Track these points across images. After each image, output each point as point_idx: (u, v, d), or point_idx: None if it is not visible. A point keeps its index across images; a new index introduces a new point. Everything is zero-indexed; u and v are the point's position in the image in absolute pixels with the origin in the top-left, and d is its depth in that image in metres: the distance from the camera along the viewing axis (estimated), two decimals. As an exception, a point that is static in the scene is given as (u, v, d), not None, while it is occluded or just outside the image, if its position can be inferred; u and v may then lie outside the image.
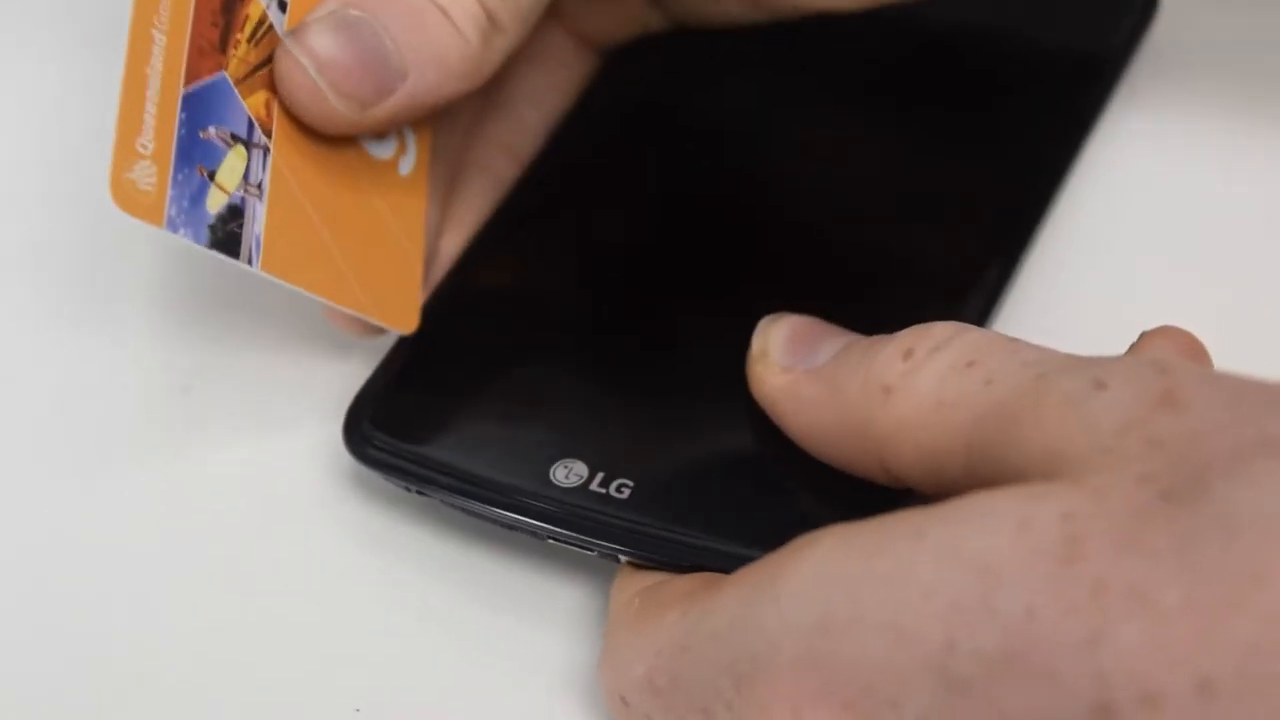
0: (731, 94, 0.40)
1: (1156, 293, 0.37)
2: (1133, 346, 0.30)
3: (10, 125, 0.44)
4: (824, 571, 0.26)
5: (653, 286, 0.36)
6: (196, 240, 0.31)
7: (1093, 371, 0.26)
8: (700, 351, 0.34)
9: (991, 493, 0.25)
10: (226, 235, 0.32)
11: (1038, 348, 0.28)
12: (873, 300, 0.35)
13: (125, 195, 0.30)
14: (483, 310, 0.36)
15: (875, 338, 0.30)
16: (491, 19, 0.33)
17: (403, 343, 0.35)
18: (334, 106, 0.33)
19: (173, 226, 0.31)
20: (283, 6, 0.33)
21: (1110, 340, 0.30)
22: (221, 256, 0.32)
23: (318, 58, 0.33)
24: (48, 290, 0.40)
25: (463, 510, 0.33)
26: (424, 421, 0.34)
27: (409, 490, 0.33)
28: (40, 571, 0.35)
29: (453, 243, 0.37)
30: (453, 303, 0.36)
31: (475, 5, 0.33)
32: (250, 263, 0.32)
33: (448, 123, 0.38)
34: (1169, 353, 0.27)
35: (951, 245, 0.35)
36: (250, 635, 0.34)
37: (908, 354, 0.28)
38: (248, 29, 0.33)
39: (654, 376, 0.34)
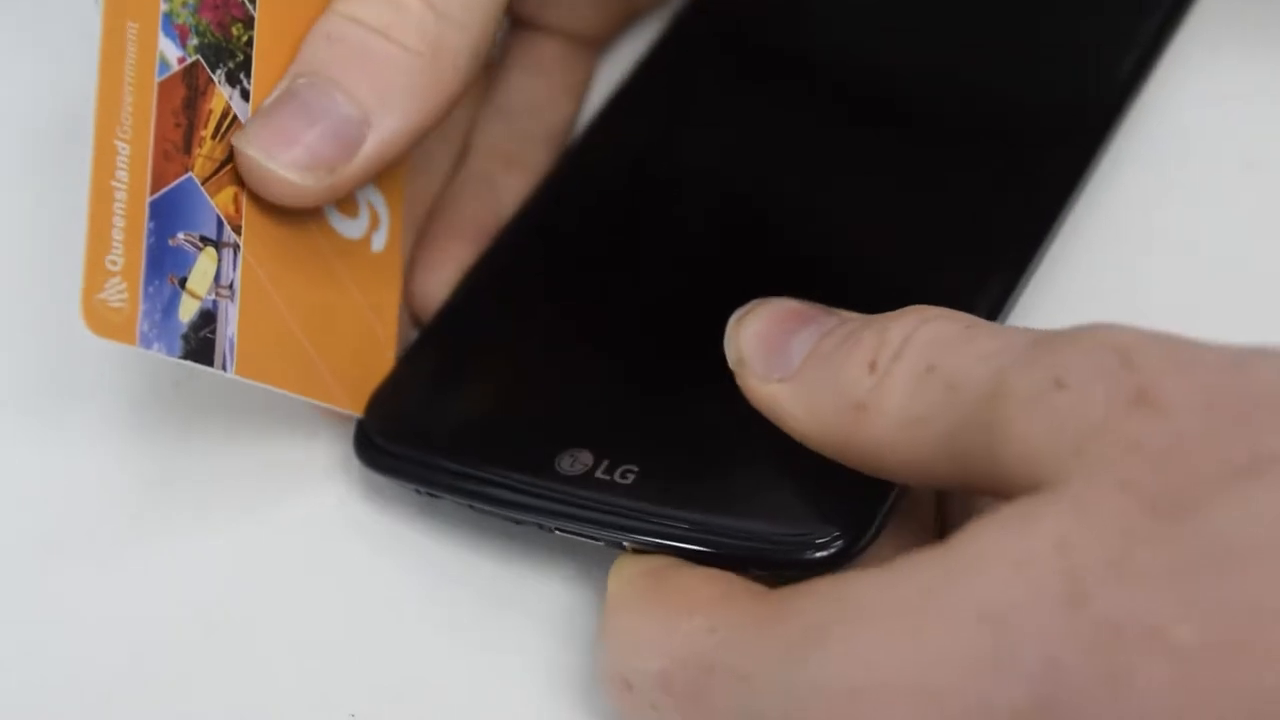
0: (740, 103, 0.39)
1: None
2: None
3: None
4: (846, 635, 0.26)
5: (652, 273, 0.36)
6: (170, 353, 0.31)
7: (1050, 368, 0.26)
8: (702, 334, 0.34)
9: (985, 528, 0.25)
10: (200, 343, 0.31)
11: (993, 333, 0.27)
12: (889, 270, 0.34)
13: (97, 317, 0.29)
14: (486, 309, 0.36)
15: (839, 332, 0.29)
16: (435, 10, 0.31)
17: (412, 347, 0.36)
18: (305, 184, 0.32)
19: (145, 342, 0.30)
20: (245, 96, 0.33)
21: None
22: (195, 365, 0.31)
23: (272, 146, 0.32)
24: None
25: (470, 508, 0.33)
26: (429, 424, 0.34)
27: (419, 493, 0.33)
28: (30, 572, 0.35)
29: (452, 256, 0.37)
30: (458, 306, 0.36)
31: (418, 4, 0.31)
32: (225, 368, 0.32)
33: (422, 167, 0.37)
34: (1125, 331, 0.26)
35: (980, 218, 0.35)
36: (246, 640, 0.34)
37: (872, 366, 0.28)
38: (211, 124, 0.32)
39: (655, 362, 0.34)
